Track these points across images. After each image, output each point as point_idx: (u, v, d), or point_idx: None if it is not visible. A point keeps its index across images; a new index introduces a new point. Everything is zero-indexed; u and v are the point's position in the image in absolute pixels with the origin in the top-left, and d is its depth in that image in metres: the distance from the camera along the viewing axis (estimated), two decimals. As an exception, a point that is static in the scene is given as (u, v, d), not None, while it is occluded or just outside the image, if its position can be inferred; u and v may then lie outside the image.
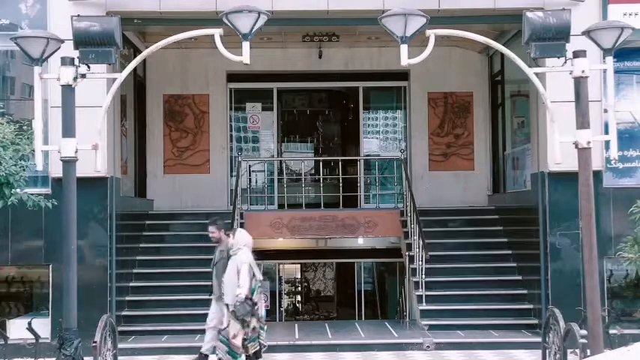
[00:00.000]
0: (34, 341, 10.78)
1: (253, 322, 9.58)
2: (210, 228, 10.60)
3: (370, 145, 17.96)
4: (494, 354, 11.79)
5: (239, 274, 9.68)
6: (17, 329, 11.92)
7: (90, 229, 12.16)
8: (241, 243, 9.96)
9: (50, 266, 12.33)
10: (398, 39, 8.51)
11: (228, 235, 10.47)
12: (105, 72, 10.73)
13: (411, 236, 14.55)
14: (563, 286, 12.19)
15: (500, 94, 16.26)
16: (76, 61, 8.57)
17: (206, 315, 13.51)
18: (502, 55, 12.77)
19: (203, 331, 12.80)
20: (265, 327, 10.09)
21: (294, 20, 13.10)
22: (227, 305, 9.86)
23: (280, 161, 18.41)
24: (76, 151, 8.52)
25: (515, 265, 14.22)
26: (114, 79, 9.23)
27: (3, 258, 12.47)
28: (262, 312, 10.01)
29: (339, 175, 16.91)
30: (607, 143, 11.64)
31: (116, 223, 12.56)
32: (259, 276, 9.88)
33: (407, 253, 14.70)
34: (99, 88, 11.33)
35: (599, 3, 12.31)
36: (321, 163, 18.14)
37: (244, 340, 9.59)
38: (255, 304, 9.67)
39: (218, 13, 9.64)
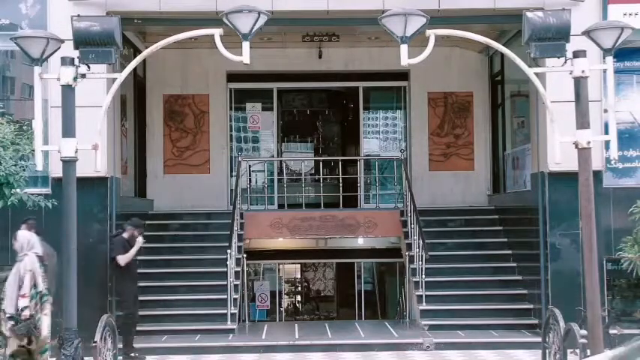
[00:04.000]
0: (34, 341, 10.75)
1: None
2: (23, 226, 9.64)
3: (370, 145, 17.95)
4: (494, 354, 11.78)
5: (22, 284, 8.87)
6: (17, 329, 11.88)
7: (90, 229, 12.16)
8: (26, 248, 9.08)
9: (50, 266, 12.31)
10: (398, 39, 8.50)
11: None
12: (105, 72, 10.71)
13: (411, 236, 14.55)
14: (563, 286, 12.19)
15: (500, 94, 16.25)
16: (76, 61, 8.54)
17: (207, 315, 13.54)
18: (502, 55, 12.76)
19: (203, 331, 12.85)
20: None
21: (294, 20, 13.10)
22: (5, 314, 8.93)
23: (280, 161, 18.39)
24: (76, 151, 8.50)
25: (515, 265, 14.22)
26: (114, 79, 9.22)
27: (3, 258, 12.45)
28: (48, 321, 9.14)
29: (339, 175, 16.91)
30: (607, 143, 11.65)
31: (116, 223, 12.56)
32: (41, 287, 8.96)
33: (407, 253, 14.69)
34: (99, 88, 11.32)
35: (599, 3, 12.32)
36: (321, 163, 18.13)
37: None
38: (32, 315, 8.87)
39: (218, 13, 9.64)
